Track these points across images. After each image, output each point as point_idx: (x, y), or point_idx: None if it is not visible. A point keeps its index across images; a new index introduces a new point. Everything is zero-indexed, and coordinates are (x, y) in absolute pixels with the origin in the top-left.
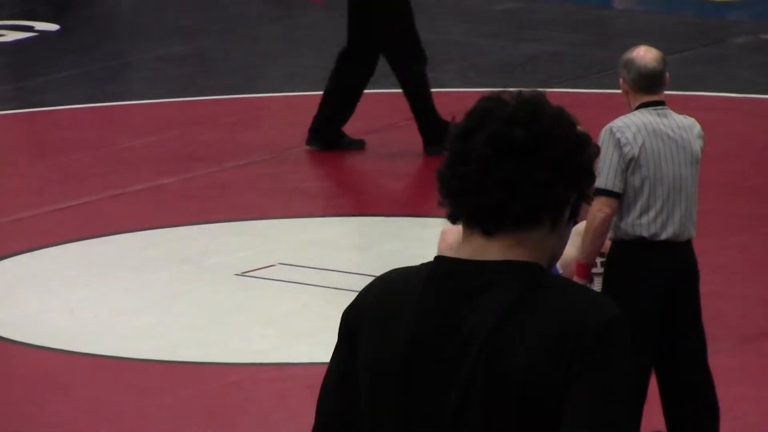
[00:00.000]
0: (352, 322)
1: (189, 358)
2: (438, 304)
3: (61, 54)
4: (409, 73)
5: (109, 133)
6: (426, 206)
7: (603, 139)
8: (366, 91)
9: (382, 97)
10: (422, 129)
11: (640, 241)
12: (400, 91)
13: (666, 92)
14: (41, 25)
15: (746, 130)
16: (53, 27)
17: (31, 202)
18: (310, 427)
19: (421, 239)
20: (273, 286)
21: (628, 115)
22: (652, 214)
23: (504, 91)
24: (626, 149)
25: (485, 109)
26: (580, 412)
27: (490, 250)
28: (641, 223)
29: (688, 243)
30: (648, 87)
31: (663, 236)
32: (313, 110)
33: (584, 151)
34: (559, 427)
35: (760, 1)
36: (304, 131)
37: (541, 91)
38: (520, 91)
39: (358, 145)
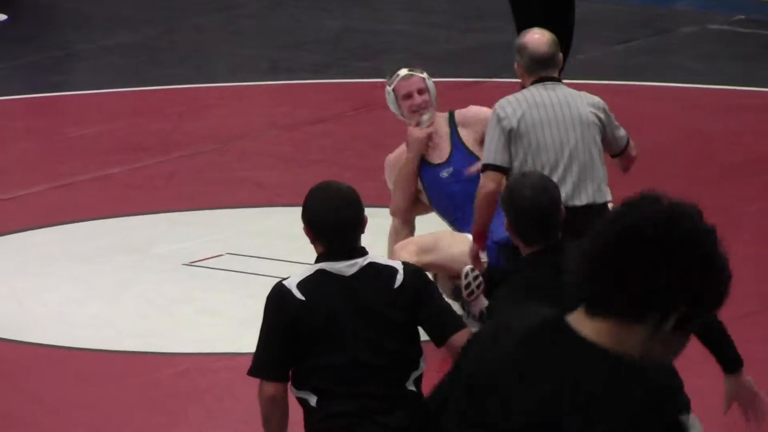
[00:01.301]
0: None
1: (136, 348)
2: (528, 359)
3: (6, 44)
4: None
5: (55, 123)
6: (372, 196)
7: (490, 118)
8: (313, 81)
9: (329, 87)
10: None
11: None
12: (345, 81)
13: (613, 82)
14: None
15: (693, 120)
16: (0, 17)
17: None
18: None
19: (368, 228)
20: (220, 276)
21: (515, 93)
22: None
23: (664, 196)
24: (504, 123)
25: (634, 203)
26: None
27: (587, 327)
28: None
29: (588, 207)
30: (541, 70)
31: None
32: (259, 100)
33: (709, 272)
34: None
35: None
36: (250, 121)
37: (696, 205)
38: (676, 200)
39: None
